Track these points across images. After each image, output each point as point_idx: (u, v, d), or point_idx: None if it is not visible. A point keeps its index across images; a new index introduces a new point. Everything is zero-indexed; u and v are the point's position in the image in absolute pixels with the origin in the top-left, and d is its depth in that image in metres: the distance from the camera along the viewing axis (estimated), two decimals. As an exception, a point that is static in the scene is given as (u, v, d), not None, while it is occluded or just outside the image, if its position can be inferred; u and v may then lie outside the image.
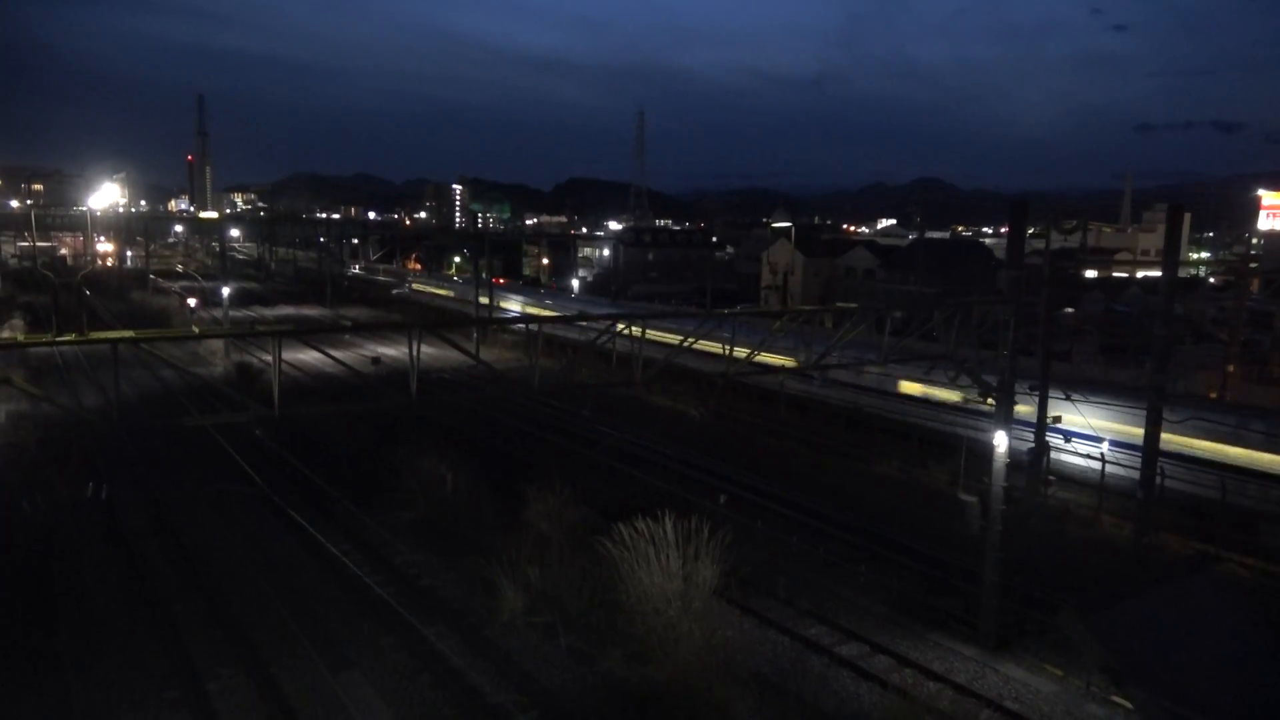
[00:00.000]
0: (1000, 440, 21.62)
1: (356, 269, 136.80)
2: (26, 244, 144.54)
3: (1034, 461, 27.03)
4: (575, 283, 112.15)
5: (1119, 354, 53.32)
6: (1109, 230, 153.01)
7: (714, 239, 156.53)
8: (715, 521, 21.02)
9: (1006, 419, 21.83)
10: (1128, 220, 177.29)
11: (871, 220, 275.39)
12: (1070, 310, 64.05)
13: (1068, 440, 31.75)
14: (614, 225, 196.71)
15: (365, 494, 31.51)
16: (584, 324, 28.85)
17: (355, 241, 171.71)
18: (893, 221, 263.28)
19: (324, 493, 32.35)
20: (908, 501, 32.62)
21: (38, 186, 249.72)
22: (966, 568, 24.68)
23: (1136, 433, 28.81)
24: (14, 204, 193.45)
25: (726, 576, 20.72)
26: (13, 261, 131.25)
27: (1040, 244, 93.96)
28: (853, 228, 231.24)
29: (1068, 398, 27.95)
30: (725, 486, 33.33)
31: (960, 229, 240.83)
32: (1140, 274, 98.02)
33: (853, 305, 27.77)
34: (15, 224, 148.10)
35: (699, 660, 18.85)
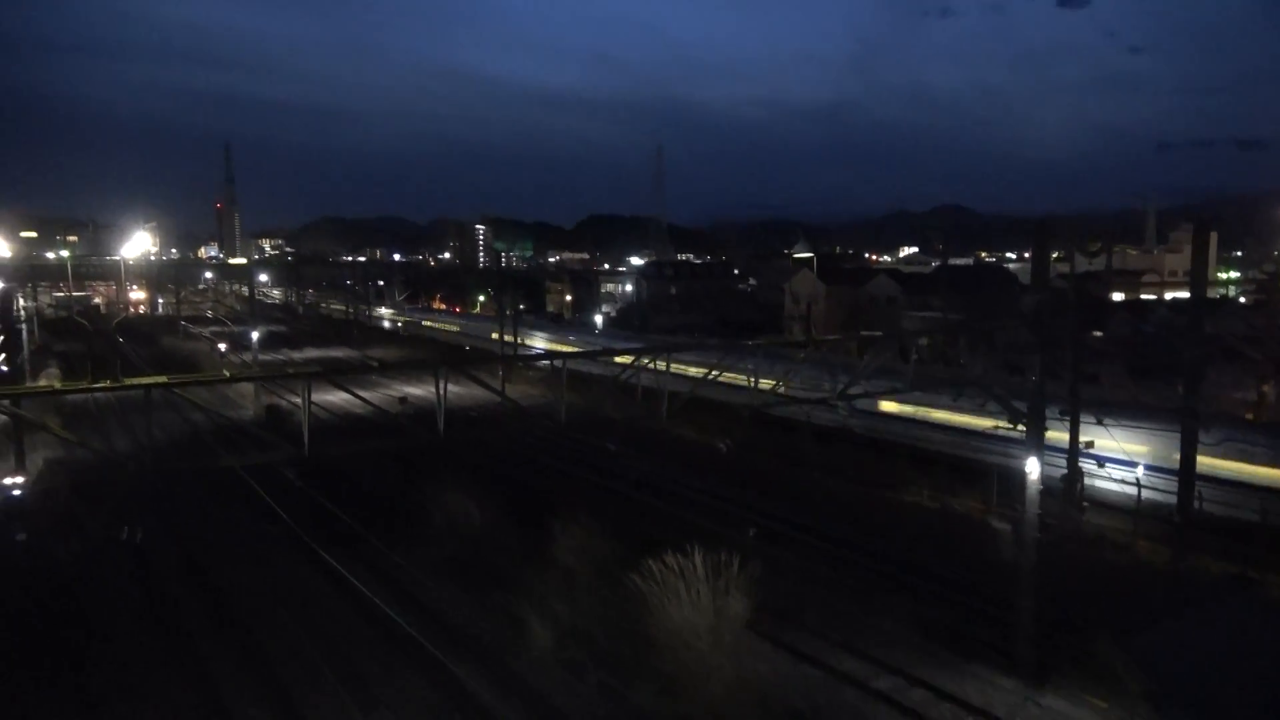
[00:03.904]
0: (1033, 466, 21.32)
1: (379, 312, 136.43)
2: (62, 294, 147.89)
3: (1068, 487, 26.66)
4: (599, 318, 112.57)
5: (1148, 376, 52.57)
6: (1134, 252, 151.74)
7: (735, 270, 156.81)
8: (745, 554, 20.85)
9: (1038, 445, 21.55)
10: (1152, 241, 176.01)
11: (893, 248, 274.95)
12: (1098, 333, 63.33)
13: (1101, 465, 31.27)
14: (635, 260, 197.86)
15: (394, 531, 31.56)
16: (608, 358, 29.06)
17: (381, 283, 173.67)
18: (915, 249, 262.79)
19: (353, 531, 32.44)
20: (938, 529, 32.18)
21: (73, 238, 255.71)
22: (1001, 596, 24.25)
23: (1171, 456, 28.35)
24: (50, 255, 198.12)
25: (757, 609, 20.50)
26: (49, 311, 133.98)
27: (1064, 267, 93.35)
28: (875, 256, 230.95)
29: (1100, 422, 27.59)
30: (754, 518, 33.07)
31: (983, 254, 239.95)
32: (1169, 295, 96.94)
33: (877, 334, 27.69)
34: (51, 275, 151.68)
35: (731, 695, 18.60)
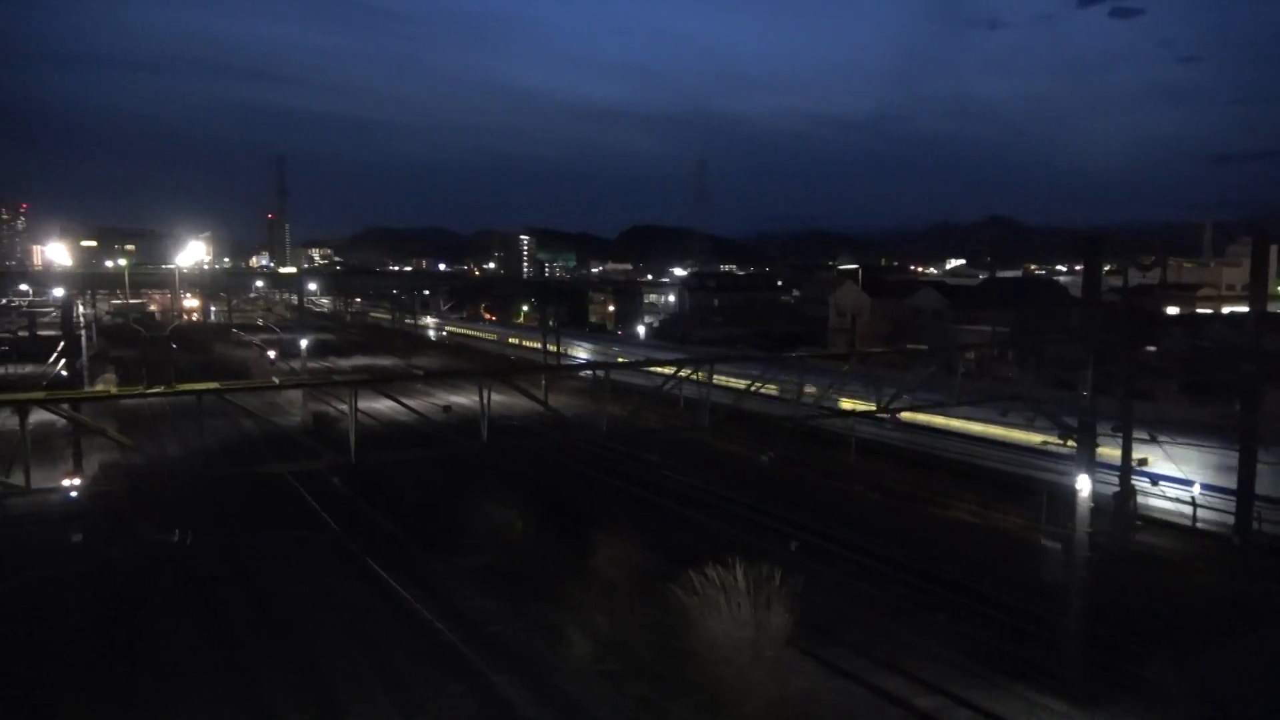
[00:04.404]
0: (1083, 483, 20.86)
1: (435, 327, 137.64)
2: (119, 301, 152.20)
3: (1120, 505, 26.02)
4: (641, 329, 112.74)
5: (1204, 392, 51.18)
6: (1189, 265, 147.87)
7: (778, 282, 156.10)
8: (786, 568, 20.67)
9: (1088, 461, 21.09)
10: (1209, 254, 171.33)
11: (938, 260, 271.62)
12: (1152, 348, 61.81)
13: (1155, 484, 30.47)
14: (678, 271, 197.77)
15: (436, 539, 31.83)
16: (650, 369, 29.07)
17: (426, 293, 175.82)
18: (962, 261, 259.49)
19: (396, 538, 32.79)
20: (984, 547, 31.60)
21: (130, 247, 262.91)
22: (1049, 616, 23.71)
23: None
24: (109, 264, 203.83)
25: (798, 625, 20.29)
26: (107, 318, 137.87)
27: (1117, 281, 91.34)
28: (920, 268, 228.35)
29: (1153, 439, 26.91)
30: (795, 532, 32.78)
31: (1032, 267, 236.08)
32: (1226, 310, 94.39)
33: (922, 347, 27.33)
34: (109, 283, 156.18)
35: (771, 711, 18.41)
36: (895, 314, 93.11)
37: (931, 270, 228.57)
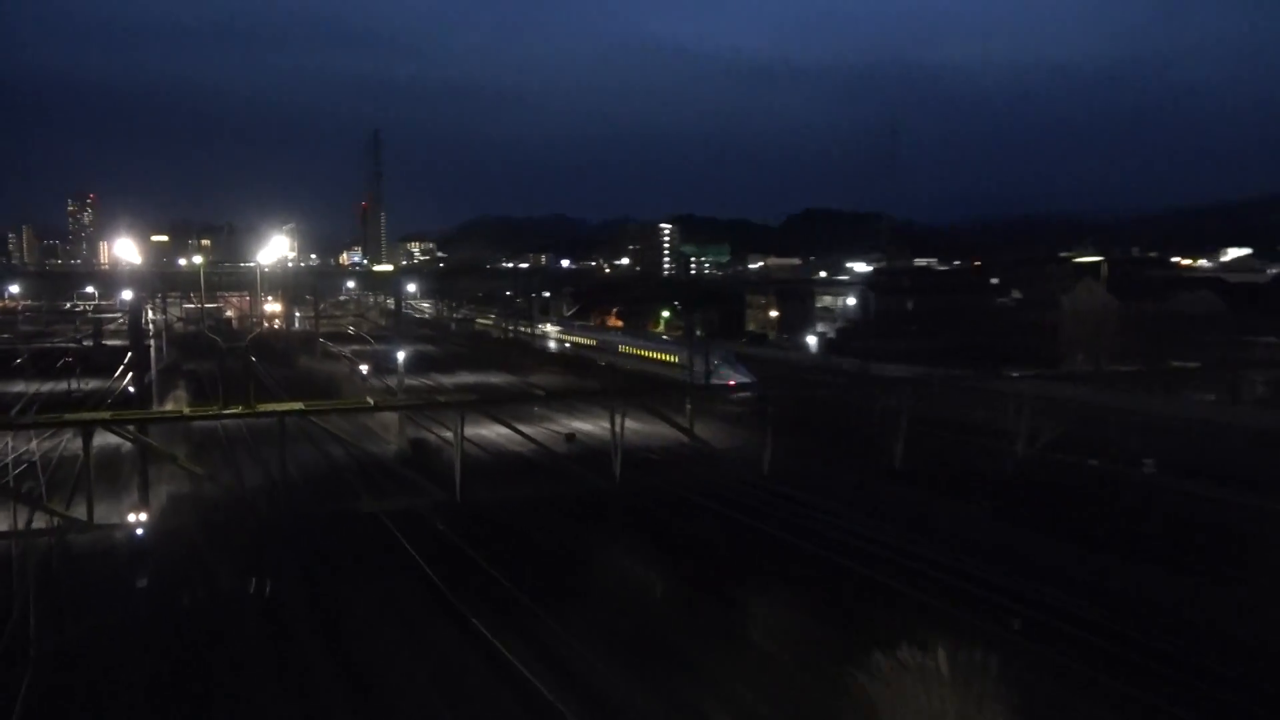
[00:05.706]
0: None
1: None
2: (193, 306, 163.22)
3: None
4: (812, 339, 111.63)
5: None
6: None
7: (992, 280, 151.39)
8: (1005, 653, 19.88)
9: None
10: None
11: (1211, 251, 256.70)
12: None
13: None
14: (859, 266, 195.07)
15: (552, 593, 32.31)
16: (822, 391, 28.79)
17: (546, 295, 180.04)
18: (1246, 251, 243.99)
19: (505, 590, 33.45)
20: (1272, 627, 29.42)
21: (206, 242, 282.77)
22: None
23: None
24: (182, 261, 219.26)
25: (1020, 726, 19.46)
26: (179, 325, 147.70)
27: None
28: (1185, 260, 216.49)
29: None
30: (1018, 606, 31.55)
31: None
32: None
33: (1193, 364, 25.84)
34: (183, 284, 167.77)
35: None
36: (1153, 320, 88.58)
37: (1203, 262, 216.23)
